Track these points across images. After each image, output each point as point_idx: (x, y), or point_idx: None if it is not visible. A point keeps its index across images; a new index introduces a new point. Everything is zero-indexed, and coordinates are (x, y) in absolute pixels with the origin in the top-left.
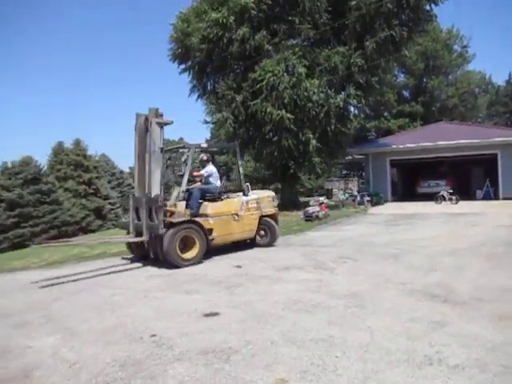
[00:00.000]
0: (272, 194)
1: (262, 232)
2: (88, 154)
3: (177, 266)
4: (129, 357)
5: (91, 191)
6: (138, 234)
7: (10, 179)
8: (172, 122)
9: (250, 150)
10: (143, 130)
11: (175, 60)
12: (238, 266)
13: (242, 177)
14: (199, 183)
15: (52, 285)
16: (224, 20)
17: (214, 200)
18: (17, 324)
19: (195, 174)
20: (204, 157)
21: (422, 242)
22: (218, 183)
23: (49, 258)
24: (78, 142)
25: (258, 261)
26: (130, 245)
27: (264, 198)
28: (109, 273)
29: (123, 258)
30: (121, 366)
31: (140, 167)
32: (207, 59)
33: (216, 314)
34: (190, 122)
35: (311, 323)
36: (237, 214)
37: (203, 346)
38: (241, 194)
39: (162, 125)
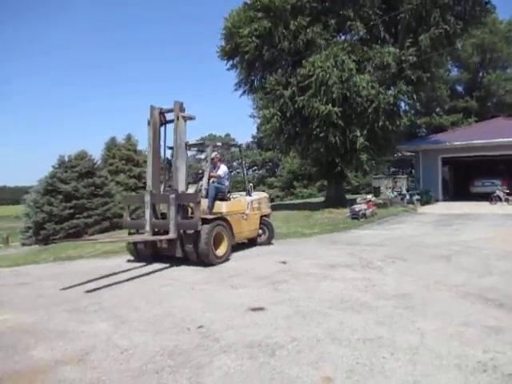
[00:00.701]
0: (267, 195)
1: (261, 231)
2: (138, 149)
3: (207, 264)
4: (176, 346)
5: (141, 185)
6: (156, 232)
7: (66, 172)
8: (195, 118)
9: (296, 146)
10: (157, 124)
11: (224, 57)
12: (283, 262)
13: (246, 177)
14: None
15: (104, 274)
16: (279, 6)
17: (223, 199)
18: (72, 310)
19: (212, 174)
20: (217, 155)
21: (476, 244)
22: (227, 183)
23: (102, 248)
24: (129, 137)
25: (303, 258)
26: (134, 246)
27: (263, 199)
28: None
29: None
30: (169, 355)
31: (154, 162)
32: (256, 55)
33: (261, 308)
34: (238, 117)
35: (358, 322)
36: (245, 213)
37: (249, 340)
38: (242, 194)
39: (186, 119)
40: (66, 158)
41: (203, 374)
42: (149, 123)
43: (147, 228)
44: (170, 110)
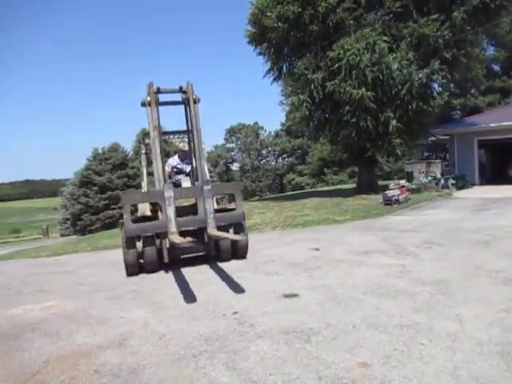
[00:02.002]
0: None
1: None
2: (169, 141)
3: (242, 259)
4: (213, 332)
5: None
6: (183, 232)
7: (100, 164)
8: (200, 100)
9: (326, 133)
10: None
11: (252, 42)
12: (316, 249)
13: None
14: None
15: None
16: None
17: None
18: (111, 297)
19: None
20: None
21: None
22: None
23: None
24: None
25: (337, 244)
26: (136, 258)
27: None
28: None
29: None
30: (206, 341)
31: (161, 150)
32: (284, 40)
33: (295, 295)
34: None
35: (394, 309)
36: None
37: (283, 326)
38: None
39: (197, 102)
40: (100, 151)
41: (240, 359)
42: (148, 104)
43: (173, 229)
44: (173, 91)
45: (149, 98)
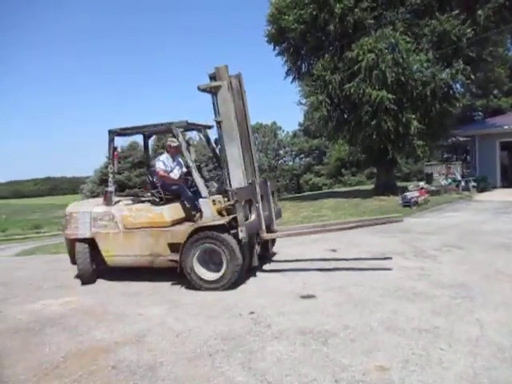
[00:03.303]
0: None
1: None
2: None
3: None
4: (229, 331)
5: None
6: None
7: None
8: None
9: (344, 134)
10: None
11: (271, 42)
12: (333, 250)
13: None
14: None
15: None
16: None
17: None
18: (129, 294)
19: None
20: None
21: None
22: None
23: None
24: None
25: (354, 246)
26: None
27: None
28: None
29: None
30: (222, 340)
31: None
32: (302, 40)
33: (312, 296)
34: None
35: (413, 312)
36: None
37: (300, 327)
38: None
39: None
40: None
41: (256, 359)
42: (225, 88)
43: (264, 227)
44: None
45: (225, 82)
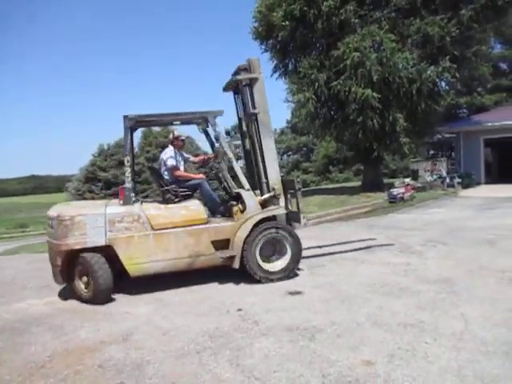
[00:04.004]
0: None
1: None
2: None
3: None
4: (217, 329)
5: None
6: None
7: (105, 160)
8: None
9: (331, 131)
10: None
11: (257, 38)
12: (319, 247)
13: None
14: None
15: None
16: None
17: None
18: (115, 292)
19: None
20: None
21: None
22: None
23: None
24: None
25: (339, 242)
26: None
27: None
28: None
29: None
30: (210, 337)
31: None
32: (290, 37)
33: (299, 292)
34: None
35: (398, 307)
36: None
37: (288, 323)
38: None
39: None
40: (106, 147)
41: (243, 355)
42: (261, 80)
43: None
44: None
45: (261, 75)
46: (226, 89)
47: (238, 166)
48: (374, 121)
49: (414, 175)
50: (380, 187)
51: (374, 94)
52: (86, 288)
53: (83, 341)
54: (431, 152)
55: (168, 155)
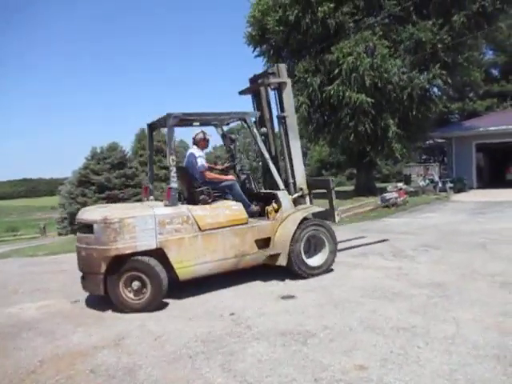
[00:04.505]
0: None
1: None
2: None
3: None
4: (209, 333)
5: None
6: None
7: (98, 164)
8: None
9: (325, 135)
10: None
11: (251, 43)
12: None
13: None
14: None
15: None
16: None
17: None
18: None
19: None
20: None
21: None
22: None
23: None
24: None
25: None
26: None
27: None
28: None
29: None
30: (202, 342)
31: None
32: (284, 42)
33: (292, 296)
34: None
35: (391, 311)
36: None
37: (280, 328)
38: None
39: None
40: (98, 150)
41: (236, 360)
42: (289, 84)
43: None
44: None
45: (289, 79)
46: (245, 92)
47: (273, 167)
48: (367, 126)
49: (407, 180)
50: (373, 191)
51: (368, 98)
52: (136, 295)
53: (75, 345)
54: (424, 157)
55: (197, 155)
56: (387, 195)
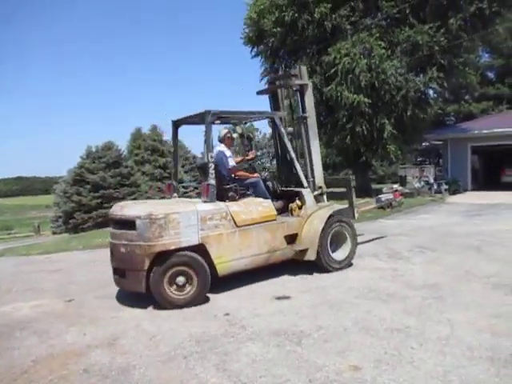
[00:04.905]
0: None
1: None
2: (164, 140)
3: None
4: (204, 333)
5: (166, 175)
6: None
7: (94, 163)
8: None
9: (320, 136)
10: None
11: (248, 43)
12: None
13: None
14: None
15: None
16: None
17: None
18: (102, 296)
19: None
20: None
21: (507, 234)
22: None
23: None
24: (154, 128)
25: None
26: None
27: None
28: None
29: None
30: (197, 342)
31: None
32: (280, 43)
33: (287, 297)
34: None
35: (386, 312)
36: None
37: (275, 328)
38: None
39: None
40: (94, 149)
41: (230, 360)
42: (311, 87)
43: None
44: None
45: (307, 82)
46: (263, 92)
47: (298, 165)
48: (363, 127)
49: (402, 181)
50: (368, 192)
51: (365, 99)
52: (180, 291)
53: (69, 345)
54: (419, 158)
55: (228, 155)
56: (382, 196)
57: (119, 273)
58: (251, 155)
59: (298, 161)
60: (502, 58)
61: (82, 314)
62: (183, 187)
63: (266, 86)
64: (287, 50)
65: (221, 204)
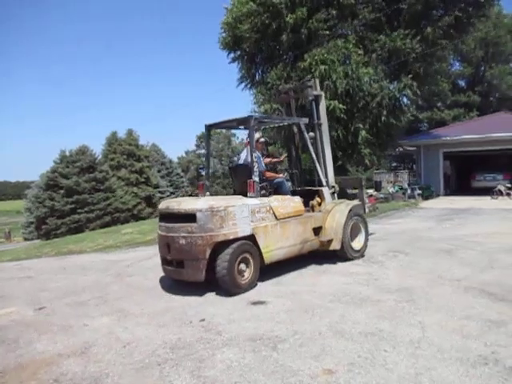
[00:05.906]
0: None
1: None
2: (140, 144)
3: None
4: (179, 339)
5: (142, 180)
6: None
7: (67, 167)
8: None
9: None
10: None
11: (224, 48)
12: None
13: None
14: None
15: (105, 268)
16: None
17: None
18: (75, 303)
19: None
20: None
21: (477, 238)
22: None
23: (103, 243)
24: (130, 132)
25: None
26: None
27: None
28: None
29: None
30: (171, 348)
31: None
32: (256, 49)
33: (263, 302)
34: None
35: (360, 316)
36: None
37: (250, 333)
38: None
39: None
40: (68, 153)
41: (205, 367)
42: (324, 96)
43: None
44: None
45: (321, 93)
46: (276, 101)
47: (319, 167)
48: (339, 131)
49: (377, 186)
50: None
51: (340, 105)
52: (242, 276)
53: (39, 354)
54: (394, 164)
55: (259, 160)
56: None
57: (177, 264)
58: (282, 157)
59: (318, 163)
60: (472, 67)
61: (54, 322)
62: (159, 192)
63: (281, 95)
64: (263, 55)
65: (264, 199)
